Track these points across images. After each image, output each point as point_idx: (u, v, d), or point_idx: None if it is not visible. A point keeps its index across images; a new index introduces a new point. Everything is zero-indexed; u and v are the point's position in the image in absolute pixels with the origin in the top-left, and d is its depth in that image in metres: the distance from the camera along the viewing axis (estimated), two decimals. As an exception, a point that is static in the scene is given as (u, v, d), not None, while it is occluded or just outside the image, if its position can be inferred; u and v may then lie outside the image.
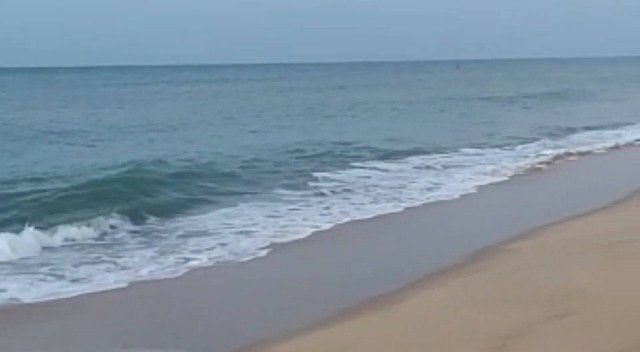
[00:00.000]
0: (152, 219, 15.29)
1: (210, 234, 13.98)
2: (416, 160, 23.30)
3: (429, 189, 18.45)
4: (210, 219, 15.47)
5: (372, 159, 23.84)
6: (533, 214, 15.28)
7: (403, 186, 18.92)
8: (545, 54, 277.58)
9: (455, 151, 25.29)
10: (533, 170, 21.65)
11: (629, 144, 26.93)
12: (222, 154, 24.31)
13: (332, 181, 19.91)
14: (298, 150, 25.31)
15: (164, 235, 14.11)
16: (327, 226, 14.61)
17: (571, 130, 31.53)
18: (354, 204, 16.67)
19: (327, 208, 16.27)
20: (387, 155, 24.43)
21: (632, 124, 33.69)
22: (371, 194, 17.89)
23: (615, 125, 33.03)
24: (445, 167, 22.07)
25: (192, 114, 43.70)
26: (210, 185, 19.34)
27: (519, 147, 26.40)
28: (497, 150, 25.73)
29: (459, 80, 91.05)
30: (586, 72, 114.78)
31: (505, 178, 20.21)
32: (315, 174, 20.67)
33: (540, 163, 22.72)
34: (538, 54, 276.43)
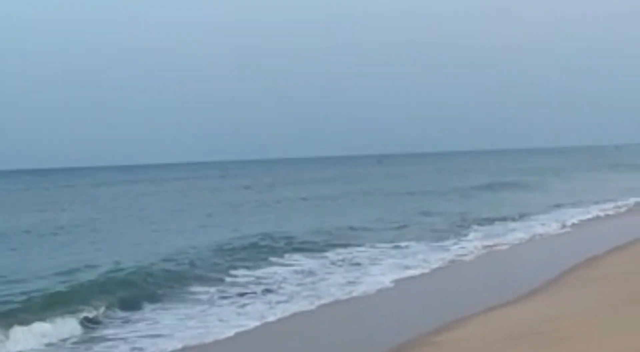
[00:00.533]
0: (48, 327, 14.67)
1: (120, 339, 13.64)
2: (333, 255, 23.23)
3: (348, 283, 18.30)
4: (122, 322, 15.13)
5: (291, 253, 23.72)
6: (455, 305, 15.31)
7: (321, 281, 18.85)
8: (467, 147, 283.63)
9: (373, 245, 25.23)
10: (453, 262, 21.72)
11: (544, 234, 27.34)
12: (140, 256, 23.82)
13: (250, 277, 19.72)
14: (218, 248, 25.00)
15: (66, 344, 13.72)
16: (245, 327, 14.30)
17: (490, 220, 31.87)
18: (269, 303, 16.43)
19: (243, 306, 16.04)
20: (306, 250, 24.35)
21: (547, 212, 34.62)
22: (289, 290, 17.70)
23: (531, 215, 33.58)
24: (364, 260, 22.02)
25: (113, 215, 43.14)
26: (130, 287, 18.75)
27: (441, 240, 26.44)
28: (416, 243, 25.70)
29: (381, 175, 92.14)
30: (506, 163, 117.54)
31: (425, 271, 20.19)
32: (233, 271, 20.52)
33: (461, 255, 22.82)
34: (460, 147, 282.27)
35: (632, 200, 38.78)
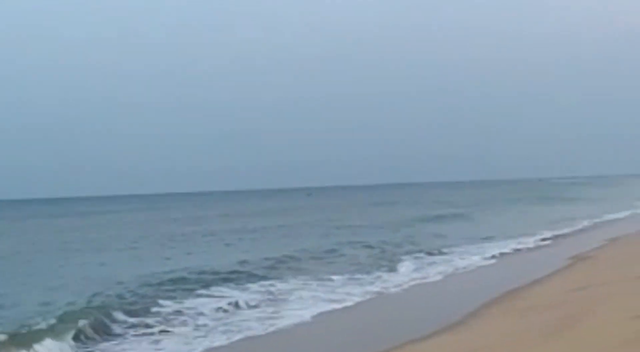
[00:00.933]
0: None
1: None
2: (257, 287, 23.05)
3: (268, 317, 18.12)
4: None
5: (217, 286, 23.45)
6: (374, 340, 15.20)
7: (241, 314, 18.71)
8: (397, 179, 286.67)
9: (297, 277, 25.11)
10: (378, 295, 21.66)
11: (469, 267, 27.52)
12: (66, 290, 23.36)
13: (171, 310, 19.44)
14: (144, 281, 24.64)
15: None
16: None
17: (416, 253, 31.92)
18: (186, 337, 16.15)
19: (158, 342, 15.73)
20: (231, 281, 24.19)
21: (472, 244, 34.95)
22: (207, 324, 17.49)
23: (456, 247, 33.84)
24: (286, 293, 21.83)
25: (38, 249, 42.28)
26: (50, 323, 18.07)
27: (366, 273, 26.34)
28: (341, 276, 25.46)
29: (310, 208, 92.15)
30: (434, 195, 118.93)
31: (348, 304, 20.05)
32: (156, 304, 20.18)
33: (386, 288, 22.77)
34: (390, 180, 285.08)
35: (553, 233, 39.44)
